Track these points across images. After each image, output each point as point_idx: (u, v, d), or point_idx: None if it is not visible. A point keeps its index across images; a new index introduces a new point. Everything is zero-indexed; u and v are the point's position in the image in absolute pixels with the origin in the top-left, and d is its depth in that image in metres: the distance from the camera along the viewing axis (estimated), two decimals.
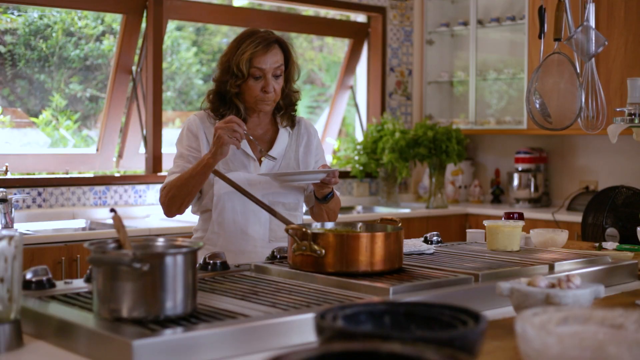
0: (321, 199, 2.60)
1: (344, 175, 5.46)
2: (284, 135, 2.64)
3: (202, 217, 2.61)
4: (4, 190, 3.82)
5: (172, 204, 2.49)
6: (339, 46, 6.07)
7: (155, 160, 4.62)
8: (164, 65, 4.85)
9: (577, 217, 4.30)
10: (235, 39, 2.58)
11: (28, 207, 4.12)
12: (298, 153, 2.67)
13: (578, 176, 5.37)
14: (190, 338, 1.40)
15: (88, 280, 1.87)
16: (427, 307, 1.30)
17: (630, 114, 2.80)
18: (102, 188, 4.38)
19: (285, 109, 2.65)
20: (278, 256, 2.21)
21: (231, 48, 2.56)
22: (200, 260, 2.09)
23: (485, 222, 2.47)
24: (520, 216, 2.76)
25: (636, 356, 1.08)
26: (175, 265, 1.51)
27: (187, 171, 2.45)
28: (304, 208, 2.72)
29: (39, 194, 4.17)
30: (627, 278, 2.29)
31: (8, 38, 4.47)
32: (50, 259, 3.53)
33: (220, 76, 2.57)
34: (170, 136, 4.94)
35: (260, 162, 2.59)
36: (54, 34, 4.60)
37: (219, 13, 5.04)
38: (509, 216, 2.76)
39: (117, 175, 4.52)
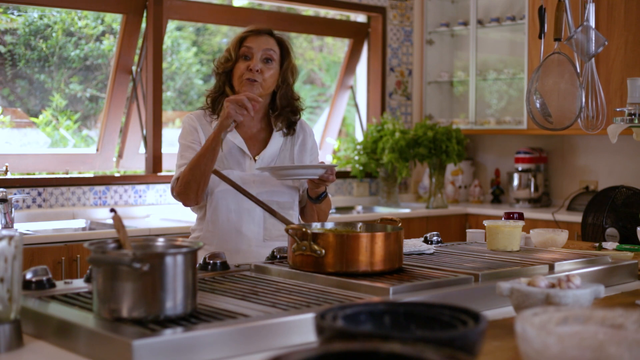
0: (314, 198, 2.59)
1: (344, 175, 5.46)
2: (277, 136, 2.63)
3: (199, 215, 2.61)
4: (4, 190, 3.82)
5: (188, 190, 2.44)
6: (339, 46, 6.07)
7: (155, 160, 4.62)
8: (164, 65, 4.85)
9: (577, 217, 4.30)
10: None
11: (28, 207, 4.12)
12: (293, 152, 2.65)
13: (578, 176, 5.37)
14: (190, 338, 1.40)
15: (88, 280, 1.87)
16: (427, 307, 1.30)
17: (630, 114, 2.80)
18: (102, 188, 4.38)
19: (281, 110, 2.62)
20: (278, 256, 2.21)
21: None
22: (200, 260, 2.09)
23: (485, 222, 2.47)
24: (520, 216, 2.76)
25: (636, 356, 1.08)
26: (175, 265, 1.51)
27: (197, 153, 2.43)
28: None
29: (39, 194, 4.17)
30: (627, 278, 2.29)
31: (8, 38, 4.47)
32: (50, 259, 3.53)
33: (218, 66, 2.60)
34: (170, 136, 4.93)
35: (255, 159, 2.58)
36: (54, 34, 4.60)
37: (219, 13, 5.05)
38: (509, 216, 2.76)
39: (117, 175, 4.52)
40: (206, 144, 2.40)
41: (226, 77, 2.57)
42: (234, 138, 2.56)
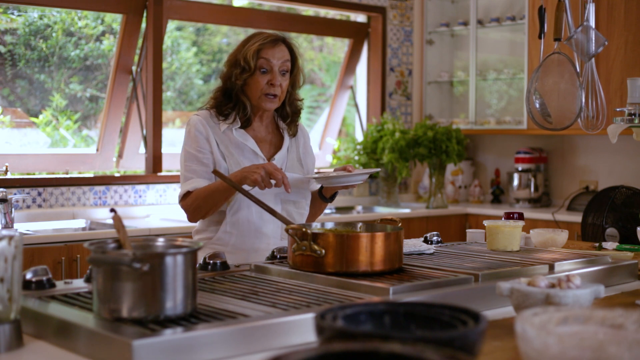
0: (328, 197, 2.66)
1: None
2: (286, 138, 2.67)
3: (211, 218, 2.58)
4: (4, 190, 3.82)
5: (197, 213, 2.50)
6: (339, 46, 6.07)
7: (155, 160, 4.62)
8: (164, 65, 4.85)
9: (577, 217, 4.30)
10: (243, 39, 2.61)
11: (28, 207, 4.12)
12: (299, 154, 2.70)
13: (578, 176, 5.37)
14: (190, 338, 1.40)
15: (88, 280, 1.87)
16: (427, 307, 1.30)
17: (630, 114, 2.80)
18: (102, 188, 4.38)
19: (292, 117, 2.66)
20: (278, 256, 2.21)
21: (239, 45, 2.59)
22: (200, 260, 2.09)
23: (485, 222, 2.47)
24: (520, 216, 2.76)
25: (636, 356, 1.08)
26: (175, 265, 1.51)
27: (214, 184, 2.44)
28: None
29: (39, 194, 4.17)
30: (627, 278, 2.29)
31: (8, 38, 4.47)
32: (50, 259, 3.53)
33: (227, 72, 2.57)
34: (170, 136, 4.94)
35: (268, 161, 2.60)
36: (54, 34, 4.60)
37: (219, 13, 5.04)
38: (509, 216, 2.76)
39: (117, 175, 4.52)
40: (225, 186, 2.38)
41: (240, 86, 2.56)
42: (246, 141, 2.57)
